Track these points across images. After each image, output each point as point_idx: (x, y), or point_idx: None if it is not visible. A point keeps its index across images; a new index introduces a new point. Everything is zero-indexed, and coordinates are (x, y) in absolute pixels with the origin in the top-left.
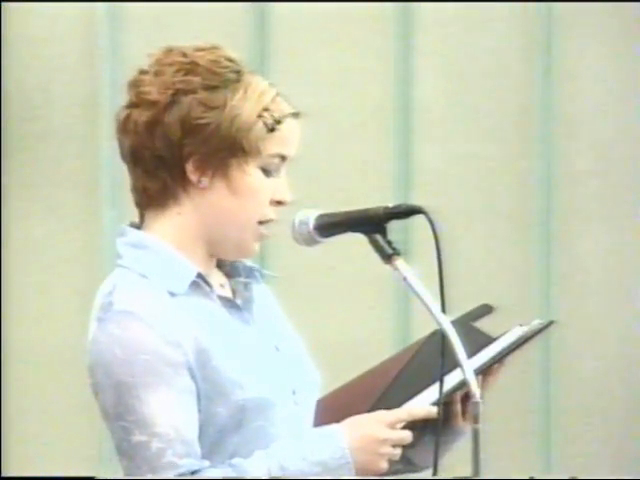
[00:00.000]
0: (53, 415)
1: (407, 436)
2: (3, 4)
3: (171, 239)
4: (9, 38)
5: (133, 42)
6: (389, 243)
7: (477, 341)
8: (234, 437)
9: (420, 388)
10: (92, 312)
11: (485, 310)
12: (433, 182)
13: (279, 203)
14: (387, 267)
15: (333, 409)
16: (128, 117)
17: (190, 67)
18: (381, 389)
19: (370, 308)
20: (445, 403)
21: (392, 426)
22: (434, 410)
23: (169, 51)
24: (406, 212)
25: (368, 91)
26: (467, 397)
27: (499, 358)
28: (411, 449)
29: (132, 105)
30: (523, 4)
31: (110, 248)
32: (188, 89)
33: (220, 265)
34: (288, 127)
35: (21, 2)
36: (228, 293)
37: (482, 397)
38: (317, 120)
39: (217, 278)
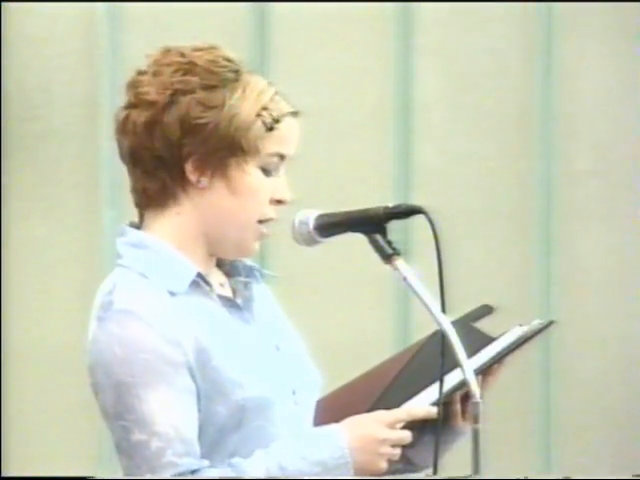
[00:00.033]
0: (53, 415)
1: (406, 436)
2: (3, 4)
3: (171, 239)
4: (9, 38)
5: (133, 42)
6: (389, 243)
7: (477, 341)
8: (234, 436)
9: (420, 388)
10: (92, 311)
11: (485, 310)
12: (433, 182)
13: (279, 202)
14: (387, 267)
15: (333, 409)
16: (127, 118)
17: (188, 67)
18: (381, 389)
19: (370, 308)
20: (445, 403)
21: (391, 426)
22: (433, 410)
23: (167, 51)
24: (406, 212)
25: (368, 91)
26: (467, 397)
27: (499, 358)
28: (411, 449)
29: (131, 106)
30: (523, 4)
31: (110, 248)
32: (186, 89)
33: (220, 264)
34: (287, 126)
35: (21, 2)
36: (228, 292)
37: (482, 397)
38: (317, 120)
39: (217, 277)
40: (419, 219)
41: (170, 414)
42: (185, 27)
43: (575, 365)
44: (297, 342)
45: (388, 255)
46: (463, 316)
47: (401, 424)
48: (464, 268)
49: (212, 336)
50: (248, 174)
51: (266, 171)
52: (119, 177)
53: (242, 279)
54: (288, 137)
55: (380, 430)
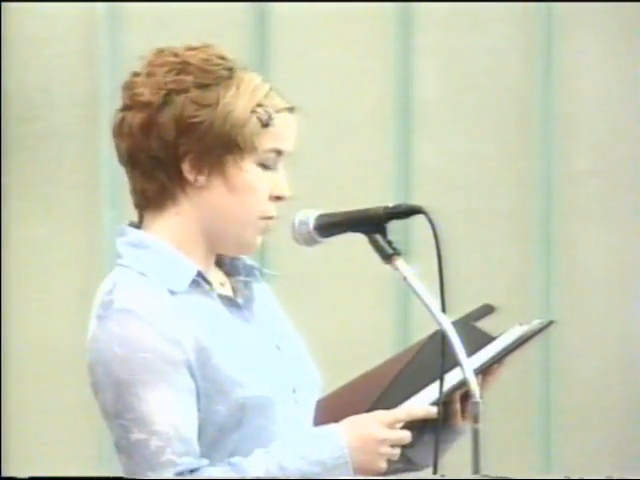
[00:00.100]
0: (53, 415)
1: (406, 436)
2: (3, 4)
3: (170, 239)
4: (9, 38)
5: (133, 42)
6: (389, 243)
7: (477, 340)
8: (234, 436)
9: (419, 388)
10: (92, 310)
11: (486, 310)
12: (433, 182)
13: (278, 198)
14: (387, 267)
15: (333, 409)
16: (123, 120)
17: (182, 67)
18: (380, 389)
19: (370, 308)
20: (444, 402)
21: (391, 426)
22: (433, 410)
23: (160, 52)
24: (406, 212)
25: (368, 91)
26: (466, 396)
27: (499, 358)
28: (410, 448)
29: (126, 108)
30: (523, 4)
31: (110, 248)
32: (180, 88)
33: (220, 264)
34: (283, 122)
35: (21, 2)
36: (228, 292)
37: (482, 397)
38: (317, 120)
39: (217, 277)
40: (419, 219)
41: (170, 413)
42: (185, 27)
43: (575, 365)
44: (297, 342)
45: (388, 255)
46: (464, 316)
47: (401, 424)
48: (464, 268)
49: (212, 335)
50: (245, 171)
51: (264, 166)
52: (119, 177)
53: (242, 278)
54: (284, 133)
55: (380, 430)
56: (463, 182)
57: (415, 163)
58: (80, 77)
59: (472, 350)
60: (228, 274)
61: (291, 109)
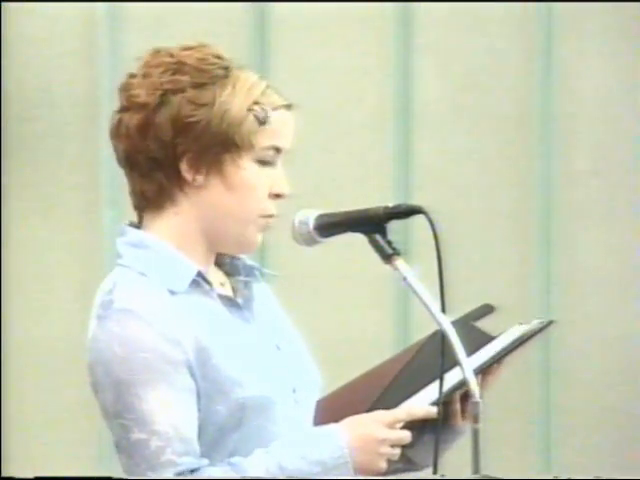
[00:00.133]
0: (53, 415)
1: (406, 436)
2: (3, 4)
3: (170, 239)
4: (9, 38)
5: (133, 42)
6: (389, 243)
7: (477, 339)
8: (234, 435)
9: (419, 388)
10: (92, 310)
11: (486, 310)
12: (433, 182)
13: (277, 196)
14: (387, 267)
15: (333, 409)
16: (120, 122)
17: (177, 67)
18: (380, 389)
19: (370, 308)
20: (444, 402)
21: (391, 426)
22: (433, 410)
23: (156, 52)
24: (406, 212)
25: (368, 91)
26: (466, 396)
27: (499, 357)
28: (410, 448)
29: (123, 109)
30: (523, 4)
31: (110, 248)
32: (176, 88)
33: (220, 264)
34: (280, 119)
35: (21, 2)
36: (228, 292)
37: (482, 397)
38: (317, 120)
39: (217, 277)
40: (419, 219)
41: (170, 413)
42: (185, 27)
43: (575, 365)
44: (297, 341)
45: (388, 255)
46: (464, 316)
47: (401, 424)
48: (464, 268)
49: (212, 335)
50: (243, 169)
51: (263, 162)
52: (119, 177)
53: (242, 278)
54: (282, 130)
55: (379, 430)
56: (463, 182)
57: (415, 163)
58: (80, 77)
59: (472, 350)
60: (228, 274)
61: (288, 106)
